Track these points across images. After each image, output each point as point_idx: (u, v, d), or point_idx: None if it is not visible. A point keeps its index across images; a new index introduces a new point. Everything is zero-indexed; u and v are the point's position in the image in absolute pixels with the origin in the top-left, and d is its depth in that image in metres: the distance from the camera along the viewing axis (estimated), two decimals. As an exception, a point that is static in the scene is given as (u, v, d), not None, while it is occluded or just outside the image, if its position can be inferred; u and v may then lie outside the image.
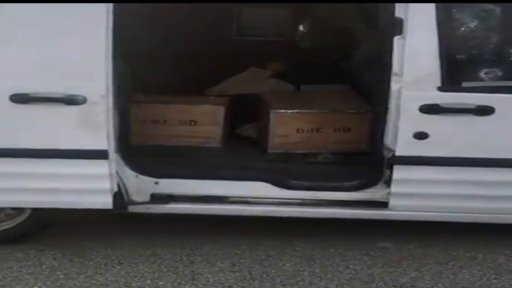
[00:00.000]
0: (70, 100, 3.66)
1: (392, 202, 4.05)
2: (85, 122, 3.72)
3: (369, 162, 4.21)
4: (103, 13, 3.64)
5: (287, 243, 4.24)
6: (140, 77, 4.33)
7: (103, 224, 4.35)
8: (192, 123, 4.76)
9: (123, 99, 3.94)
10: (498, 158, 3.93)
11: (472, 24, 4.10)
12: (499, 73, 3.99)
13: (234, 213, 4.10)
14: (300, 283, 3.79)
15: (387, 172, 4.01)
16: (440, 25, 3.79)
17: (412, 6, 3.77)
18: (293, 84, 5.50)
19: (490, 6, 4.07)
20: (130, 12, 3.95)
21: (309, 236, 4.32)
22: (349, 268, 3.97)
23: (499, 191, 4.01)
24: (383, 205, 4.09)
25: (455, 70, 3.94)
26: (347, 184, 4.15)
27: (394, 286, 3.76)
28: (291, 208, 4.13)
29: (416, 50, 3.83)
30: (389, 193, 4.04)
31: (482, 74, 3.98)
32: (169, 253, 4.09)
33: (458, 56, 4.07)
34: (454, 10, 4.00)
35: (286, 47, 6.05)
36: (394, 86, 3.87)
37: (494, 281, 3.82)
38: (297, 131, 4.66)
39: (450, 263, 4.05)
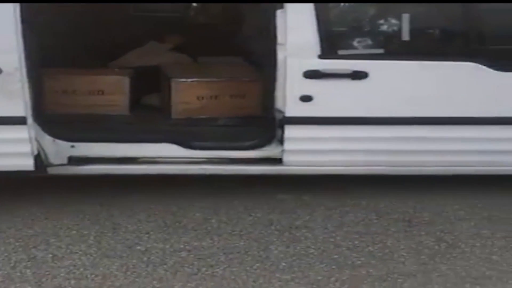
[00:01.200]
0: (-12, 72, 3.95)
1: (285, 158, 4.45)
2: (3, 91, 3.99)
3: (263, 124, 4.60)
4: None
5: (196, 198, 4.61)
6: (49, 51, 4.57)
7: (26, 187, 4.63)
8: (100, 92, 5.05)
9: (36, 71, 4.18)
10: (373, 117, 4.38)
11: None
12: (370, 42, 4.47)
13: (145, 172, 4.46)
14: (209, 228, 4.19)
15: (279, 132, 4.41)
16: (317, 3, 4.22)
17: (290, -18, 4.17)
18: (191, 57, 5.85)
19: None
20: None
21: (216, 191, 4.71)
22: (251, 215, 4.37)
23: (374, 146, 4.45)
24: (278, 161, 4.49)
25: (333, 40, 4.39)
26: (245, 144, 4.52)
27: (290, 227, 4.19)
28: (197, 166, 4.48)
29: (297, 22, 4.21)
30: (282, 151, 4.43)
31: (355, 43, 4.44)
32: (90, 209, 4.39)
33: (335, 28, 4.52)
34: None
35: (182, 22, 6.35)
36: (280, 55, 4.27)
37: (375, 221, 4.29)
38: (197, 98, 5.02)
39: (339, 209, 4.48)
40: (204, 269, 3.67)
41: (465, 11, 4.45)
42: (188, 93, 5.04)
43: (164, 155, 4.49)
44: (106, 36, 5.84)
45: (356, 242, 4.00)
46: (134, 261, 3.75)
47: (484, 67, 4.33)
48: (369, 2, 4.57)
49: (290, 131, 4.39)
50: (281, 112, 4.37)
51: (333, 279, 3.54)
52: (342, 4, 4.63)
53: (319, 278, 3.55)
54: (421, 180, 4.75)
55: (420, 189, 4.77)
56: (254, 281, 3.53)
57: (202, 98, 5.05)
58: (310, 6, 4.23)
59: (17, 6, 3.92)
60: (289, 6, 4.20)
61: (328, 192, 4.76)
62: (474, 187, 4.76)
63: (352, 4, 4.62)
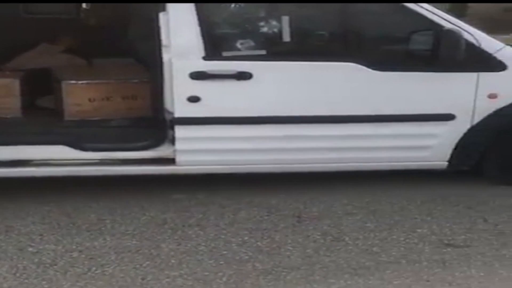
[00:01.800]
0: None
1: (178, 158, 4.56)
2: None
3: (155, 124, 4.69)
4: None
5: (91, 199, 4.64)
6: None
7: None
8: (-10, 95, 5.00)
9: None
10: (258, 116, 4.51)
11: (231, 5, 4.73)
12: (253, 43, 4.60)
13: (38, 175, 4.48)
14: (102, 228, 4.23)
15: (171, 132, 4.51)
16: (197, 2, 4.34)
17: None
18: (84, 59, 5.85)
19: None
20: None
21: (112, 192, 4.76)
22: (145, 215, 4.44)
23: (262, 145, 4.59)
24: (171, 161, 4.59)
25: (217, 41, 4.53)
26: (138, 144, 4.61)
27: (183, 226, 4.26)
28: (90, 168, 4.54)
29: (179, 24, 4.35)
30: (174, 151, 4.54)
31: (238, 44, 4.58)
32: (-20, 212, 4.38)
33: (218, 29, 4.68)
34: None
35: (73, 24, 6.34)
36: (165, 57, 4.39)
37: (266, 217, 4.40)
38: (89, 100, 5.08)
39: (232, 206, 4.58)
40: (94, 268, 3.70)
41: (344, 12, 4.64)
42: (79, 95, 5.08)
43: (57, 157, 4.52)
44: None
45: (246, 238, 4.09)
46: (24, 262, 3.76)
47: (363, 67, 4.51)
48: (247, 2, 4.70)
49: (180, 132, 4.48)
50: (171, 113, 4.47)
51: (220, 274, 3.62)
52: (223, 5, 4.73)
53: (206, 273, 3.63)
54: (313, 177, 4.90)
55: (312, 186, 4.92)
56: (142, 279, 3.58)
57: (94, 99, 5.10)
58: (191, 8, 4.34)
59: None
60: (170, 8, 4.31)
61: (222, 191, 4.85)
62: (361, 183, 4.94)
63: (234, 5, 4.76)
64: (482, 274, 3.57)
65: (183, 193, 4.81)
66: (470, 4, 23.64)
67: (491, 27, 6.28)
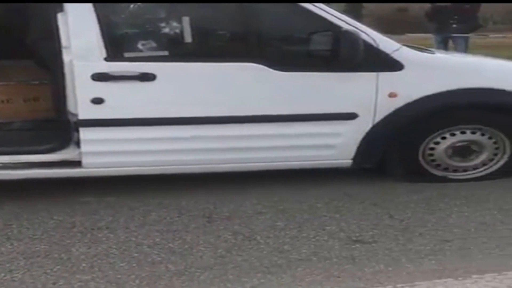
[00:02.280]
0: None
1: (84, 161, 4.51)
2: None
3: (59, 127, 4.59)
4: None
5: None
6: None
7: None
8: None
9: None
10: (163, 118, 4.51)
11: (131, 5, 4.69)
12: (154, 44, 4.58)
13: None
14: (9, 233, 4.14)
15: (76, 134, 4.45)
16: (96, 2, 4.30)
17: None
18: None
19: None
20: None
21: (19, 196, 4.66)
22: (53, 219, 4.35)
23: (168, 146, 4.61)
24: (77, 164, 4.53)
25: (118, 42, 4.49)
26: (42, 147, 4.53)
27: (92, 229, 4.21)
28: (-8, 172, 4.39)
29: (79, 26, 4.29)
30: (80, 153, 4.49)
31: (140, 45, 4.54)
32: None
33: (119, 30, 4.63)
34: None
35: None
36: (66, 58, 4.32)
37: (176, 218, 4.40)
38: (-11, 103, 4.92)
39: (142, 208, 4.56)
40: (2, 274, 3.61)
41: (245, 13, 4.67)
42: (-23, 98, 4.90)
43: (-42, 162, 4.36)
44: None
45: (157, 239, 4.08)
46: None
47: (264, 67, 4.57)
48: (146, 2, 4.68)
49: (85, 134, 4.45)
50: (74, 115, 4.41)
51: (132, 276, 3.59)
52: (124, 5, 4.68)
53: (119, 276, 3.60)
54: (222, 177, 4.93)
55: (221, 186, 4.94)
56: (53, 283, 3.51)
57: (-6, 102, 4.92)
58: (90, 8, 4.29)
59: None
60: (69, 8, 4.25)
61: (132, 193, 4.83)
62: (270, 182, 5.00)
63: (135, 6, 4.72)
64: (390, 268, 3.66)
65: (91, 196, 4.76)
66: (365, 5, 24.27)
67: (387, 28, 6.48)
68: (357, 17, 5.01)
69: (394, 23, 16.68)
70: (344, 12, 4.87)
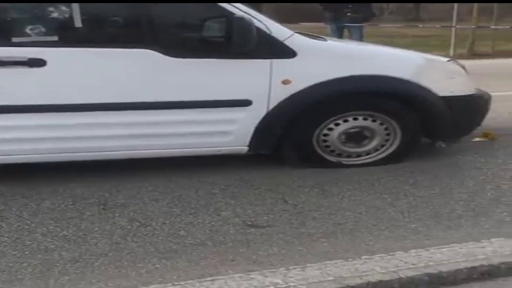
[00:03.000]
0: None
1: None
2: None
3: None
4: None
5: None
6: None
7: None
8: None
9: None
10: (53, 104, 4.47)
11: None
12: (43, 29, 4.49)
13: None
14: None
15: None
16: None
17: None
18: None
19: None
20: None
21: None
22: None
23: (58, 133, 4.56)
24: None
25: (5, 27, 4.42)
26: None
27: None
28: None
29: None
30: None
31: (28, 30, 4.44)
32: None
33: (6, 15, 4.53)
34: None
35: None
36: None
37: (71, 206, 4.36)
38: None
39: (35, 196, 4.50)
40: None
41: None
42: None
43: None
44: None
45: (51, 227, 4.03)
46: None
47: (158, 53, 4.58)
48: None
49: None
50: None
51: (25, 264, 3.55)
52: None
53: (11, 265, 3.55)
54: (117, 164, 4.92)
55: (115, 173, 4.92)
56: None
57: None
58: None
59: None
60: None
61: (24, 181, 4.75)
62: (166, 169, 5.02)
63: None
64: (283, 251, 3.74)
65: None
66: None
67: (283, 17, 6.59)
68: (255, 6, 5.03)
69: (291, 12, 16.88)
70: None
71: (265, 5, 12.36)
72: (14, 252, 3.69)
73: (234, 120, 4.85)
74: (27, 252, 3.69)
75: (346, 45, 6.23)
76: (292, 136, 5.08)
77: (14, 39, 4.37)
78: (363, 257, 3.63)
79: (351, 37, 11.89)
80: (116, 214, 4.26)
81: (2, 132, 4.44)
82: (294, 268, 3.50)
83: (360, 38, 11.72)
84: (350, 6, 11.83)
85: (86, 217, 4.21)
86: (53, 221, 4.12)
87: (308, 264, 3.55)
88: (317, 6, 13.04)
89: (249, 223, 4.15)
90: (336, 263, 3.56)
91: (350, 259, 3.61)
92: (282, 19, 5.15)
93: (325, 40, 5.50)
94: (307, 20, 14.45)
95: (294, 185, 4.84)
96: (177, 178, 4.90)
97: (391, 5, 27.04)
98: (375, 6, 13.50)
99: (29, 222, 4.11)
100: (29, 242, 3.82)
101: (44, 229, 4.00)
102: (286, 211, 4.35)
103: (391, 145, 5.32)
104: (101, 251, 3.73)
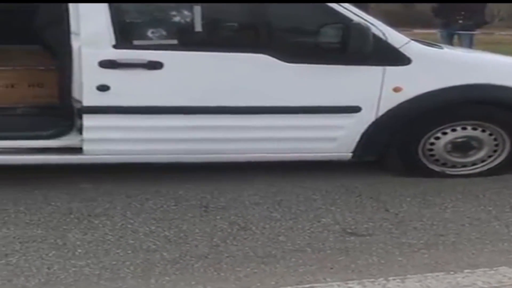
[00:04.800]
0: None
1: (85, 148, 4.52)
2: None
3: (62, 113, 4.63)
4: None
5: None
6: None
7: None
8: None
9: None
10: (169, 106, 4.53)
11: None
12: (164, 33, 4.59)
13: None
14: (6, 218, 4.16)
15: (78, 121, 4.47)
16: None
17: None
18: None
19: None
20: None
21: (16, 182, 4.66)
22: (50, 204, 4.37)
23: (172, 135, 4.60)
24: (79, 150, 4.55)
25: (127, 30, 4.51)
26: (44, 133, 4.54)
27: (89, 215, 4.24)
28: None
29: (89, 12, 4.29)
30: (82, 140, 4.50)
31: (149, 33, 4.55)
32: None
33: (129, 18, 4.63)
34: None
35: None
36: (74, 44, 4.34)
37: (173, 207, 4.42)
38: (-7, 86, 4.92)
39: (139, 196, 4.57)
40: (-3, 258, 3.64)
41: (257, 4, 4.69)
42: (-18, 82, 4.92)
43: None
44: None
45: (153, 227, 4.10)
46: None
47: (274, 58, 4.58)
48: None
49: (88, 121, 4.44)
50: (79, 101, 4.41)
51: (127, 263, 3.63)
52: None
53: (114, 263, 3.63)
54: (220, 167, 4.95)
55: (218, 176, 4.95)
56: (48, 268, 3.55)
57: (-3, 86, 4.94)
58: None
59: None
60: None
61: (129, 180, 4.84)
62: (267, 173, 5.01)
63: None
64: (382, 261, 3.69)
65: (89, 183, 4.78)
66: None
67: (394, 22, 6.47)
68: (365, 10, 4.97)
69: (400, 17, 16.62)
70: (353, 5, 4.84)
71: (372, 10, 12.20)
72: (118, 251, 3.78)
73: (342, 126, 4.81)
74: (129, 251, 3.78)
75: (462, 54, 6.09)
76: (398, 143, 4.99)
77: (135, 42, 4.48)
78: (465, 270, 3.55)
79: (461, 44, 11.61)
80: (217, 217, 4.30)
81: (118, 132, 4.54)
82: (394, 279, 3.45)
83: (470, 46, 11.43)
84: (462, 13, 11.55)
85: (188, 218, 4.26)
86: (155, 221, 4.20)
87: (408, 276, 3.49)
88: (427, 12, 12.79)
89: (349, 230, 4.11)
90: (437, 275, 3.49)
91: (452, 272, 3.53)
92: (391, 25, 5.05)
93: (441, 48, 5.38)
94: (414, 26, 14.19)
95: (396, 193, 4.76)
96: (278, 183, 4.90)
97: (502, 11, 26.23)
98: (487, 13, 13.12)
99: (132, 221, 4.20)
100: (132, 241, 3.90)
101: (147, 229, 4.08)
102: (386, 220, 4.28)
103: (498, 156, 5.15)
104: (201, 253, 3.77)
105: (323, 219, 4.27)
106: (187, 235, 4.00)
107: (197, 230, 4.08)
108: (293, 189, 4.80)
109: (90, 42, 4.31)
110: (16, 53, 5.45)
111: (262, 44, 4.73)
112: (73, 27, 4.32)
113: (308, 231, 4.09)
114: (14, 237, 3.90)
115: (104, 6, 4.30)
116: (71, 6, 4.28)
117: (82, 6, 4.27)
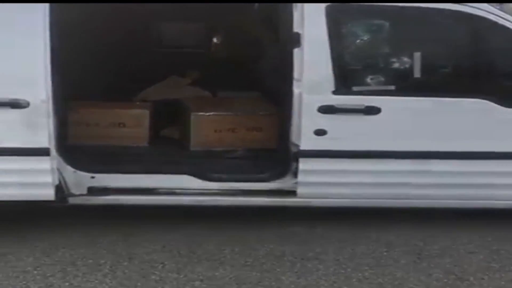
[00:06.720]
0: (16, 104, 4.18)
1: (299, 191, 4.57)
2: (29, 123, 4.21)
3: (278, 156, 4.72)
4: (40, 28, 4.14)
5: (211, 229, 4.72)
6: (73, 85, 4.69)
7: (47, 217, 4.72)
8: (121, 125, 5.18)
9: (61, 104, 4.36)
10: (384, 151, 4.51)
11: (364, 37, 4.68)
12: (382, 79, 4.61)
13: (163, 203, 4.60)
14: (222, 259, 4.31)
15: (294, 164, 4.54)
16: (331, 38, 4.38)
17: (307, 21, 4.34)
18: (209, 91, 5.96)
19: (380, 21, 4.69)
20: (64, 27, 4.36)
21: (230, 223, 4.81)
22: (264, 246, 4.47)
23: (383, 179, 4.57)
24: (292, 193, 4.61)
25: (347, 76, 4.54)
26: (260, 175, 4.67)
27: (302, 259, 4.29)
28: (212, 198, 4.63)
29: (312, 60, 4.39)
30: (296, 183, 4.56)
31: (368, 79, 4.59)
32: (107, 239, 4.51)
33: (349, 65, 4.67)
34: (347, 24, 4.61)
35: (202, 58, 6.43)
36: (295, 90, 4.44)
37: (385, 253, 4.39)
38: (215, 131, 5.15)
39: (350, 241, 4.57)
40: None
41: (473, 49, 4.61)
42: (206, 126, 5.17)
43: (181, 186, 4.62)
44: (130, 71, 6.01)
45: (366, 274, 4.09)
46: (149, 290, 3.86)
47: (492, 103, 4.47)
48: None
49: (304, 164, 4.51)
50: (296, 145, 4.50)
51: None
52: (354, 41, 4.72)
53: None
54: (431, 213, 4.83)
55: (430, 222, 4.84)
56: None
57: (220, 130, 5.17)
58: (325, 44, 4.38)
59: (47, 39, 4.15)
60: (305, 44, 4.35)
61: (339, 224, 4.85)
62: (484, 221, 4.82)
63: (365, 41, 4.71)
64: None
65: (300, 226, 4.85)
66: None
67: None
68: None
69: None
70: None
71: None
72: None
73: None
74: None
75: None
76: None
77: (354, 88, 4.54)
78: None
79: None
80: (432, 265, 4.21)
81: (332, 176, 4.56)
82: None
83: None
84: None
85: (401, 265, 4.21)
86: (368, 267, 4.18)
87: None
88: None
89: None
90: None
91: None
92: None
93: None
94: None
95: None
96: (493, 231, 4.72)
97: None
98: None
99: (344, 266, 4.20)
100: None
101: (360, 275, 4.07)
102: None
103: None
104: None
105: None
106: (402, 283, 3.95)
107: (411, 278, 4.02)
108: (509, 238, 4.60)
109: (312, 88, 4.42)
110: (235, 99, 5.69)
111: (481, 89, 4.60)
112: (296, 74, 4.45)
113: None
114: (230, 278, 4.04)
115: (327, 54, 4.40)
116: (296, 55, 4.41)
117: (307, 55, 4.38)
